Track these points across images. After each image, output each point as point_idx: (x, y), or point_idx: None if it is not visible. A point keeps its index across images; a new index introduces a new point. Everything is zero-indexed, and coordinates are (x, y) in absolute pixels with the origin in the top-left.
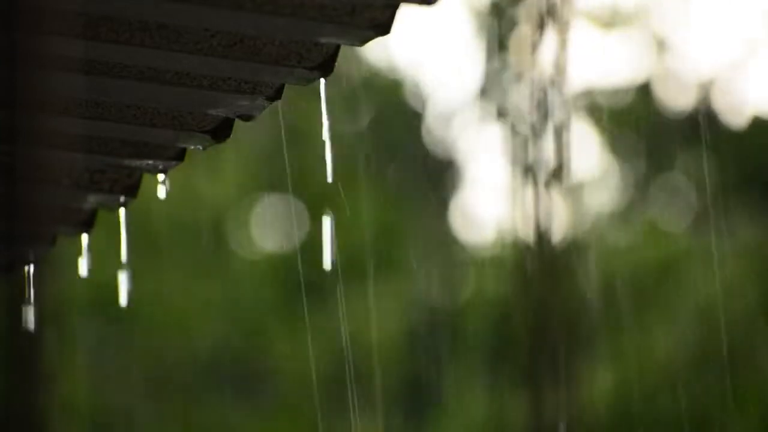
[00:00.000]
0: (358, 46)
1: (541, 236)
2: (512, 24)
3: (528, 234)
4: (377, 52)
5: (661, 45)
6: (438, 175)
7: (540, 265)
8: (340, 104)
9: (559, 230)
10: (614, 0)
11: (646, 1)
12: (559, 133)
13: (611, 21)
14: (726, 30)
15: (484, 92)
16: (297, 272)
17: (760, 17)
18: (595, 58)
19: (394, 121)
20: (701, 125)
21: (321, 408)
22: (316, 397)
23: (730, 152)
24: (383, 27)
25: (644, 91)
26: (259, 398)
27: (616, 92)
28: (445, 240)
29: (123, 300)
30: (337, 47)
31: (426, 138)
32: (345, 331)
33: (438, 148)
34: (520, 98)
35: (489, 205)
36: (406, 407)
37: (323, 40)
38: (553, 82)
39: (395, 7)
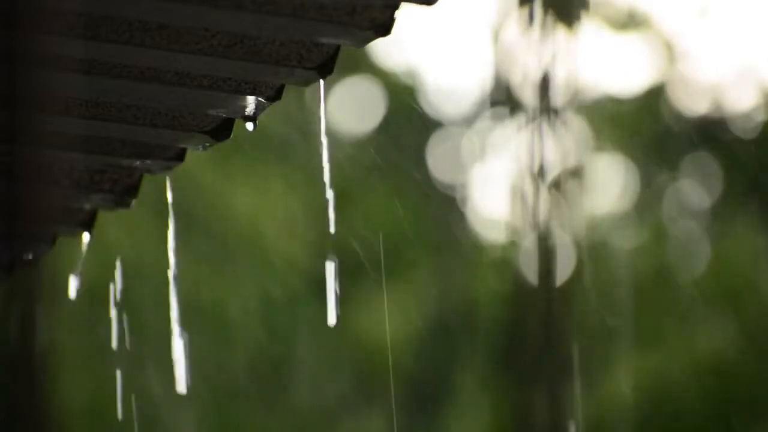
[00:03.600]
0: (359, 46)
1: (547, 238)
2: (521, 24)
3: (535, 235)
4: (386, 52)
5: (673, 48)
6: (446, 176)
7: (546, 267)
8: (351, 105)
9: (564, 232)
10: (626, 2)
11: (660, 4)
12: (568, 135)
13: (623, 23)
14: (739, 34)
15: (495, 93)
16: (305, 271)
17: None
18: (606, 60)
19: (404, 122)
20: (712, 129)
21: (333, 404)
22: (329, 393)
23: (741, 157)
24: (383, 27)
25: (656, 94)
26: (279, 393)
27: (626, 95)
28: (454, 240)
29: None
30: (337, 47)
31: (435, 138)
32: (356, 328)
33: (446, 149)
34: (528, 99)
35: (498, 206)
36: (416, 406)
37: (323, 40)
38: (563, 84)
39: (395, 8)
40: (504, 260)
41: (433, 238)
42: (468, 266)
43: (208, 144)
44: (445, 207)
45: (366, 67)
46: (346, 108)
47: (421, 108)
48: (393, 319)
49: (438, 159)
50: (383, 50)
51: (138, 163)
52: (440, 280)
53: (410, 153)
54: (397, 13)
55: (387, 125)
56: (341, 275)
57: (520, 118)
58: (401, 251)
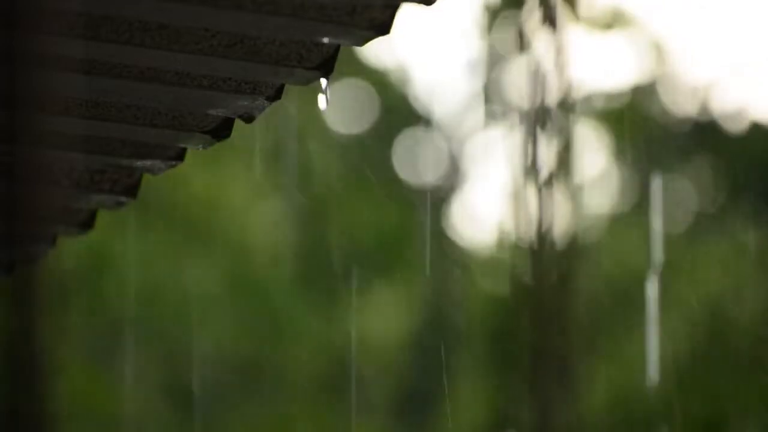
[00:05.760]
0: (359, 46)
1: (542, 238)
2: (514, 26)
3: (529, 235)
4: (382, 51)
5: (662, 48)
6: (441, 176)
7: (541, 267)
8: (345, 104)
9: (559, 232)
10: (616, 3)
11: (647, 4)
12: (561, 135)
13: (613, 24)
14: (727, 34)
15: (487, 94)
16: (298, 272)
17: (762, 21)
18: (597, 61)
19: (398, 122)
20: (701, 129)
21: (323, 407)
22: (317, 397)
23: (730, 156)
24: (383, 27)
25: (645, 94)
26: (267, 393)
27: (617, 95)
28: (447, 241)
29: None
30: (337, 47)
31: (429, 139)
32: (347, 331)
33: (441, 149)
34: (522, 100)
35: (491, 207)
36: (408, 408)
37: (323, 40)
38: (554, 84)
39: (395, 7)
40: (497, 260)
41: (424, 239)
42: (460, 267)
43: (208, 144)
44: (436, 207)
45: (358, 66)
46: (339, 108)
47: (414, 108)
48: (385, 319)
49: (429, 159)
50: (375, 49)
51: (138, 163)
52: (433, 281)
53: (401, 153)
54: (397, 13)
55: (379, 125)
56: (335, 276)
57: (513, 118)
58: (392, 252)
